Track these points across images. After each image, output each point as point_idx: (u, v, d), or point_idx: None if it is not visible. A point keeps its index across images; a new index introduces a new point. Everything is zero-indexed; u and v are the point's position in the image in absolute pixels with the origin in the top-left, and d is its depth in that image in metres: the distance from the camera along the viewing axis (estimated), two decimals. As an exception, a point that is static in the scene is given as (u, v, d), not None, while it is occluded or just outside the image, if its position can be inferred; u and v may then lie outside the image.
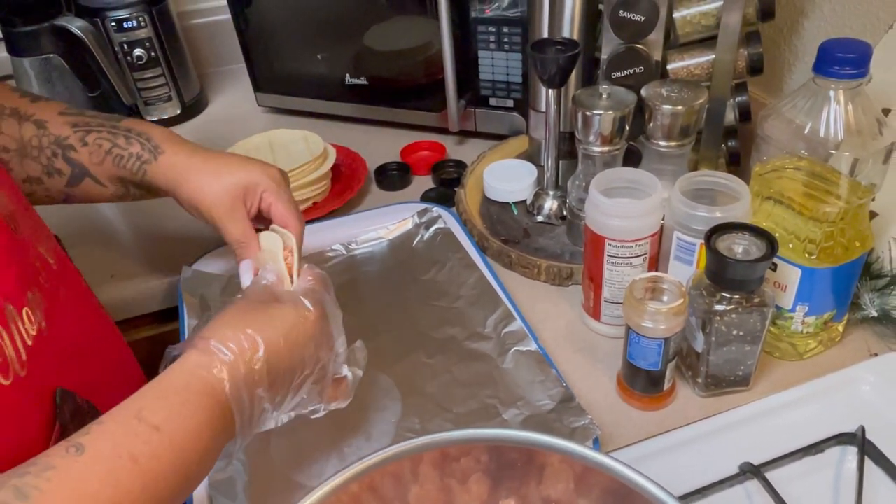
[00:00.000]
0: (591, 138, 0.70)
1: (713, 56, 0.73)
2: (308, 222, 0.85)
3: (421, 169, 0.98)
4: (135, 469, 0.38)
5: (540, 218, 0.83)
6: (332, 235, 0.83)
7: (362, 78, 1.04)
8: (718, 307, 0.57)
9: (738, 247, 0.56)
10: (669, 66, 0.76)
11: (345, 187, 0.93)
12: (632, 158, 0.77)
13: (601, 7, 0.75)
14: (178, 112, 1.16)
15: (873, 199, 0.64)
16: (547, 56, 0.70)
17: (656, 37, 0.72)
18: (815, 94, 0.58)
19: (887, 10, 0.70)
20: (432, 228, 0.83)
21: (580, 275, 0.73)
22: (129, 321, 0.81)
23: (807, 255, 0.59)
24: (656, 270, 0.67)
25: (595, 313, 0.70)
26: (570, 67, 0.72)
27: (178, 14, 1.17)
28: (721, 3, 0.70)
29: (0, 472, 0.36)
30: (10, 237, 0.46)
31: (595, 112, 0.68)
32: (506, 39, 0.93)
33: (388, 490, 0.45)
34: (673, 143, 0.69)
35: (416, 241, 0.83)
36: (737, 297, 0.56)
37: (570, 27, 0.76)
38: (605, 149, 0.70)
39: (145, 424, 0.40)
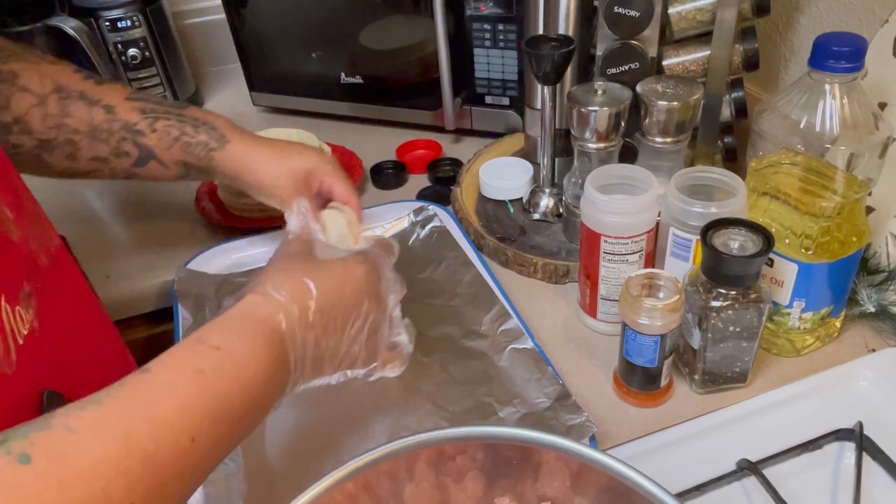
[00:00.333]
0: (587, 135, 0.70)
1: (709, 52, 0.73)
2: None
3: (417, 167, 0.98)
4: (201, 381, 0.41)
5: (536, 216, 0.83)
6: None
7: (357, 77, 1.04)
8: (715, 303, 0.56)
9: (734, 242, 0.56)
10: (665, 62, 0.76)
11: (340, 186, 0.92)
12: (628, 155, 0.77)
13: (596, 3, 0.74)
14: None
15: (870, 194, 0.64)
16: (541, 53, 0.70)
17: (651, 33, 0.72)
18: (811, 88, 0.58)
19: (882, 4, 0.70)
20: (428, 227, 0.83)
21: (577, 272, 0.73)
22: (123, 321, 0.81)
23: (803, 251, 0.59)
24: (653, 267, 0.66)
25: (591, 311, 0.69)
26: (565, 64, 0.71)
27: (173, 14, 1.16)
28: (716, -2, 0.70)
29: None
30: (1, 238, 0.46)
31: (590, 109, 0.68)
32: (501, 37, 0.93)
33: (383, 489, 0.45)
34: (669, 140, 0.69)
35: (412, 240, 0.83)
36: (733, 293, 0.56)
37: (565, 23, 0.76)
38: (601, 145, 0.70)
39: (206, 345, 0.43)
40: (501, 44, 0.93)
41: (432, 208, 0.84)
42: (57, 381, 0.47)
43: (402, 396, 0.63)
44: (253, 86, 1.13)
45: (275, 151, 0.68)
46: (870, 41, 0.64)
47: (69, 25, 1.01)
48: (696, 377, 0.62)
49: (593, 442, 0.56)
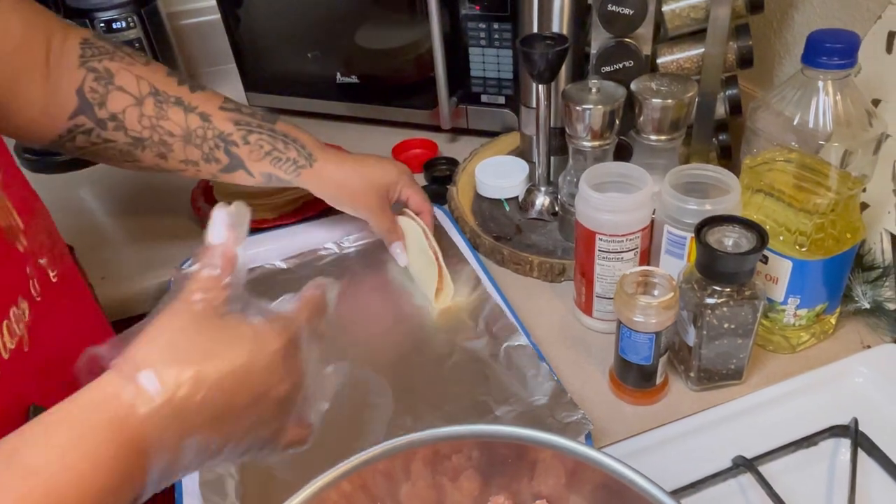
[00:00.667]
0: (582, 133, 0.70)
1: (703, 49, 0.73)
2: (299, 222, 0.85)
3: (413, 167, 0.97)
4: None
5: (532, 214, 0.83)
6: (326, 234, 0.83)
7: (353, 76, 1.04)
8: (709, 300, 0.57)
9: (729, 239, 0.56)
10: (659, 60, 0.76)
11: (336, 186, 0.92)
12: (623, 153, 0.77)
13: (590, 1, 0.74)
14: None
15: (864, 191, 0.64)
16: (536, 51, 0.70)
17: (645, 30, 0.72)
18: (804, 85, 0.58)
19: (876, 0, 0.70)
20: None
21: (572, 271, 0.73)
22: (120, 322, 0.81)
23: (797, 248, 0.59)
24: (648, 265, 0.66)
25: (587, 309, 0.69)
26: (560, 62, 0.71)
27: (168, 14, 1.16)
28: (710, -4, 0.70)
29: None
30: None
31: (585, 107, 0.68)
32: (496, 36, 0.93)
33: (379, 488, 0.45)
34: (663, 137, 0.69)
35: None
36: (727, 290, 0.56)
37: (560, 22, 0.76)
38: (596, 143, 0.70)
39: (20, 468, 0.33)
40: (497, 43, 0.93)
41: None
42: (47, 395, 0.45)
43: (398, 395, 0.63)
44: (249, 86, 1.13)
45: (357, 170, 0.73)
46: (863, 37, 0.64)
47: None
48: (692, 374, 0.62)
49: (589, 440, 0.56)
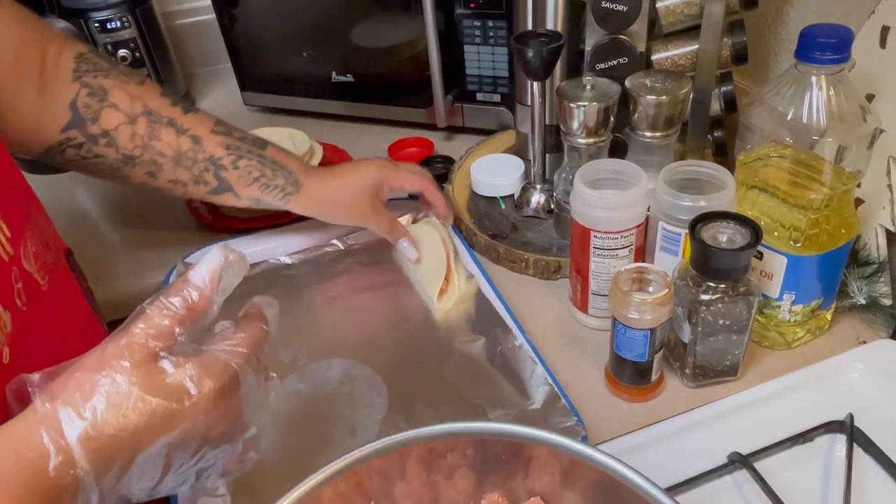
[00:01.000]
0: (576, 130, 0.70)
1: (697, 46, 0.73)
2: (302, 219, 0.85)
3: (409, 165, 0.97)
4: None
5: (527, 212, 0.83)
6: (330, 231, 0.82)
7: (349, 75, 1.04)
8: (704, 297, 0.56)
9: (723, 235, 0.56)
10: (654, 57, 0.76)
11: (332, 185, 0.92)
12: (618, 150, 0.77)
13: (584, -2, 0.74)
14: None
15: (859, 186, 0.64)
16: (530, 48, 0.70)
17: (640, 27, 0.72)
18: (798, 80, 0.57)
19: (870, -4, 0.70)
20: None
21: (568, 268, 0.73)
22: (116, 322, 0.80)
23: (792, 243, 0.59)
24: (642, 262, 0.66)
25: (582, 306, 0.69)
26: (554, 59, 0.71)
27: (163, 14, 1.16)
28: (704, -9, 0.70)
29: None
30: None
31: (579, 104, 0.68)
32: (491, 33, 0.93)
33: (374, 487, 0.45)
34: (658, 134, 0.69)
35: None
36: (722, 286, 0.56)
37: (554, 19, 0.76)
38: (591, 141, 0.70)
39: None
40: (492, 40, 0.93)
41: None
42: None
43: (393, 395, 0.63)
44: (244, 86, 1.13)
45: (340, 182, 0.73)
46: (857, 32, 0.64)
47: (58, 27, 1.00)
48: (687, 371, 0.62)
49: (585, 438, 0.56)
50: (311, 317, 0.73)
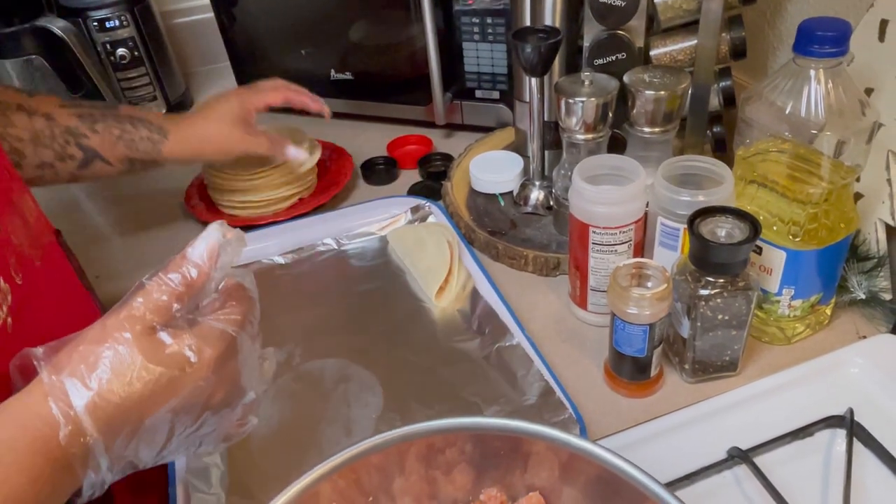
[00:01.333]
0: (575, 126, 0.70)
1: (696, 41, 0.73)
2: (297, 217, 0.85)
3: (408, 163, 0.97)
4: None
5: (526, 209, 0.83)
6: (325, 229, 0.83)
7: (347, 73, 1.04)
8: (703, 292, 0.56)
9: (722, 230, 0.56)
10: (652, 52, 0.76)
11: (331, 182, 0.92)
12: (616, 146, 0.76)
13: (582, -6, 0.74)
14: (164, 111, 1.15)
15: (858, 181, 0.64)
16: (528, 44, 0.70)
17: (638, 23, 0.72)
18: (796, 74, 0.57)
19: (869, -10, 0.69)
20: (425, 224, 0.82)
21: (567, 265, 0.73)
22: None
23: (791, 238, 0.59)
24: (641, 257, 0.66)
25: (582, 302, 0.69)
26: (552, 55, 0.71)
27: (161, 13, 1.16)
28: (702, -13, 0.70)
29: None
30: None
31: (578, 99, 0.68)
32: (489, 31, 0.92)
33: (373, 482, 0.45)
34: (657, 130, 0.69)
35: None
36: (721, 281, 0.56)
37: (552, 15, 0.76)
38: (589, 136, 0.70)
39: None
40: (490, 37, 0.93)
41: (429, 206, 0.84)
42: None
43: (388, 393, 0.63)
44: (243, 84, 1.12)
45: (207, 119, 0.75)
46: (856, 26, 0.63)
47: (57, 26, 1.00)
48: (687, 366, 0.62)
49: (584, 433, 0.56)
50: (305, 317, 0.73)
